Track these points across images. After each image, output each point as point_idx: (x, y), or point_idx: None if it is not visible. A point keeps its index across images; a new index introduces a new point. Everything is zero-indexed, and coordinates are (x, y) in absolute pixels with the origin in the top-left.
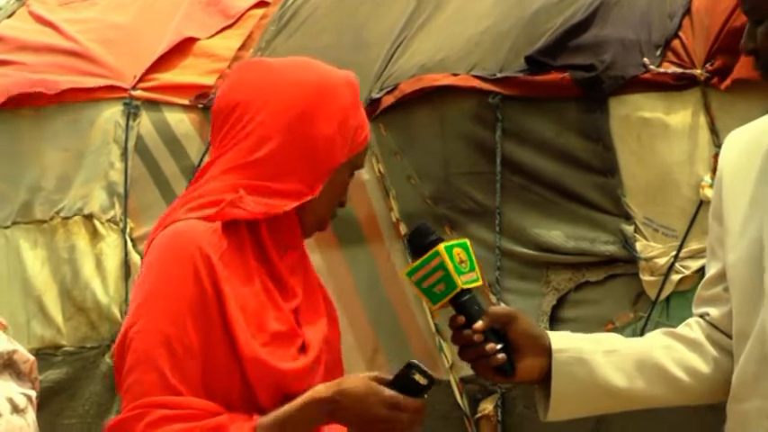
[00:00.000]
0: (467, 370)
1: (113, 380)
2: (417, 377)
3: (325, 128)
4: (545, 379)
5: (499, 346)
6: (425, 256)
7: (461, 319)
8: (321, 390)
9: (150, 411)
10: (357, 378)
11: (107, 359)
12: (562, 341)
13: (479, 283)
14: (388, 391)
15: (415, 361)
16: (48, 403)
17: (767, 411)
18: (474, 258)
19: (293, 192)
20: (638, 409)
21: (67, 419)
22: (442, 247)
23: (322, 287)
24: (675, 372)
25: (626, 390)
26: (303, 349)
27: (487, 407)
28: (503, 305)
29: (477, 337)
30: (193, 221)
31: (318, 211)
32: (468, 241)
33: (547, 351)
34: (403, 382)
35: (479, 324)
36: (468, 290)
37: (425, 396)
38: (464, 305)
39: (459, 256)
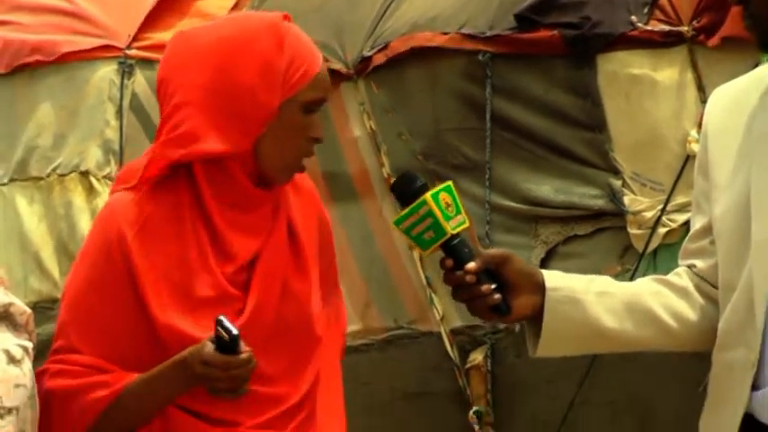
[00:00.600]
0: (457, 321)
1: None
2: (220, 332)
3: (244, 79)
4: (536, 316)
5: (494, 286)
6: (413, 205)
7: (450, 261)
8: (184, 351)
9: (51, 368)
10: (203, 339)
11: None
12: (556, 280)
13: (467, 224)
14: (207, 350)
15: (221, 316)
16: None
17: (752, 360)
18: (459, 201)
19: (215, 150)
20: (627, 351)
21: None
22: (428, 195)
23: (298, 241)
24: (664, 316)
25: (615, 331)
26: (242, 313)
27: (477, 357)
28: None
29: (469, 278)
30: (121, 194)
31: (278, 157)
32: (451, 184)
33: (540, 289)
34: (217, 339)
35: (472, 265)
36: (458, 234)
37: (241, 350)
38: (454, 249)
39: (445, 201)
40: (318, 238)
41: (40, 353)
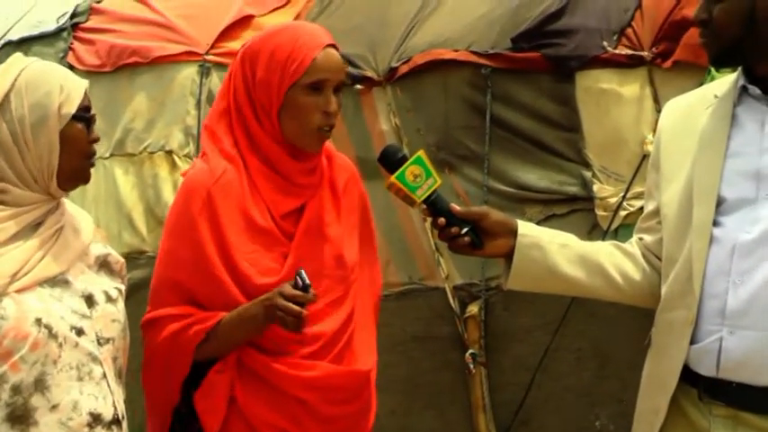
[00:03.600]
0: (458, 279)
1: None
2: (297, 280)
3: (260, 75)
4: (510, 256)
5: (465, 230)
6: (387, 185)
7: (441, 219)
8: (264, 295)
9: (156, 321)
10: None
11: None
12: (527, 229)
13: (438, 183)
14: (287, 286)
15: (301, 269)
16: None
17: (691, 319)
18: (428, 165)
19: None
20: (579, 295)
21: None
22: (393, 178)
23: (338, 202)
24: (612, 272)
25: (570, 276)
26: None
27: (473, 309)
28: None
29: (439, 222)
30: (199, 163)
31: (297, 131)
32: (421, 154)
33: (514, 234)
34: (295, 284)
35: (442, 220)
36: (428, 195)
37: (310, 293)
38: (432, 205)
39: (412, 174)
40: (359, 210)
41: (131, 294)
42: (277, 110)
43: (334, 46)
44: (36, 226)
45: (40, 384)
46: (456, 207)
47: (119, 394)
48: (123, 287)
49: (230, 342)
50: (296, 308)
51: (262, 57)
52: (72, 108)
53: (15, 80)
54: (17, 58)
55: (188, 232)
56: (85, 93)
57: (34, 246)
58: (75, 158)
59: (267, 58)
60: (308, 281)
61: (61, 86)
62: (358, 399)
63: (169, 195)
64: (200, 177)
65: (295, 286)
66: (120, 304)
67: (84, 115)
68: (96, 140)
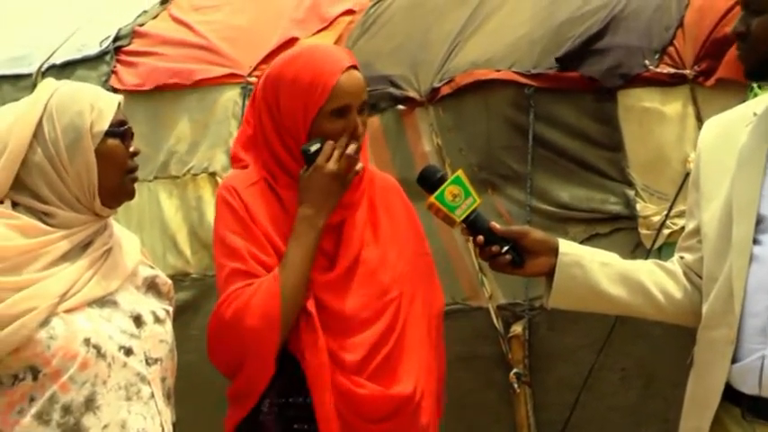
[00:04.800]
0: (502, 299)
1: None
2: (313, 147)
3: (285, 104)
4: (551, 274)
5: (505, 249)
6: (427, 205)
7: (479, 238)
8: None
9: (226, 299)
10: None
11: None
12: (568, 247)
13: (477, 202)
14: (304, 174)
15: (303, 145)
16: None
17: (732, 338)
18: (467, 184)
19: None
20: (621, 314)
21: (192, 330)
22: (433, 198)
23: (377, 221)
24: (653, 290)
25: (611, 295)
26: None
27: (517, 329)
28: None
29: (479, 240)
30: (235, 171)
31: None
32: (460, 173)
33: (555, 252)
34: (308, 158)
35: (480, 238)
36: (468, 215)
37: (323, 141)
38: (470, 225)
39: (451, 194)
40: (408, 224)
41: (175, 317)
42: (305, 136)
43: (354, 67)
44: (85, 247)
45: (91, 404)
46: (496, 225)
47: (166, 415)
48: (171, 309)
49: (305, 266)
50: (334, 159)
51: (284, 84)
52: (104, 125)
53: (46, 105)
54: (47, 82)
55: (232, 215)
56: (119, 107)
57: (83, 266)
58: (114, 175)
59: (289, 84)
60: (313, 142)
61: (92, 105)
62: (387, 421)
63: (212, 217)
64: (232, 180)
65: (312, 159)
66: (168, 325)
67: (118, 130)
68: (136, 154)
